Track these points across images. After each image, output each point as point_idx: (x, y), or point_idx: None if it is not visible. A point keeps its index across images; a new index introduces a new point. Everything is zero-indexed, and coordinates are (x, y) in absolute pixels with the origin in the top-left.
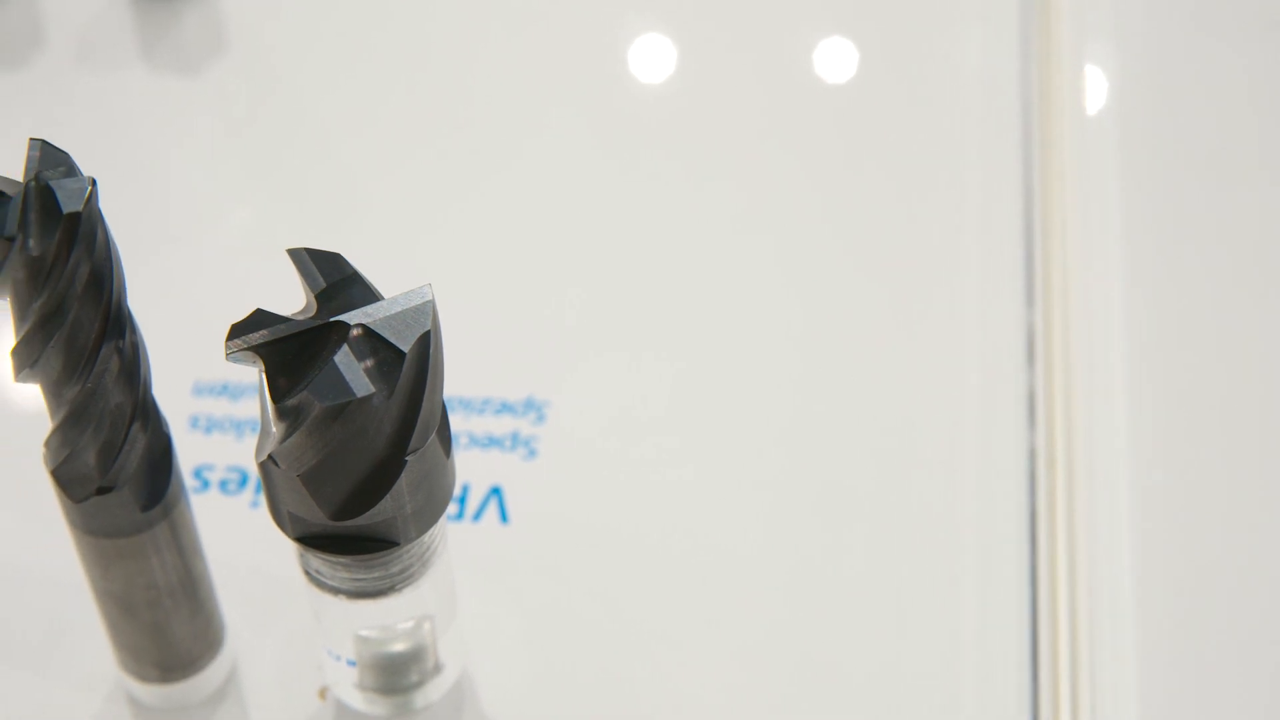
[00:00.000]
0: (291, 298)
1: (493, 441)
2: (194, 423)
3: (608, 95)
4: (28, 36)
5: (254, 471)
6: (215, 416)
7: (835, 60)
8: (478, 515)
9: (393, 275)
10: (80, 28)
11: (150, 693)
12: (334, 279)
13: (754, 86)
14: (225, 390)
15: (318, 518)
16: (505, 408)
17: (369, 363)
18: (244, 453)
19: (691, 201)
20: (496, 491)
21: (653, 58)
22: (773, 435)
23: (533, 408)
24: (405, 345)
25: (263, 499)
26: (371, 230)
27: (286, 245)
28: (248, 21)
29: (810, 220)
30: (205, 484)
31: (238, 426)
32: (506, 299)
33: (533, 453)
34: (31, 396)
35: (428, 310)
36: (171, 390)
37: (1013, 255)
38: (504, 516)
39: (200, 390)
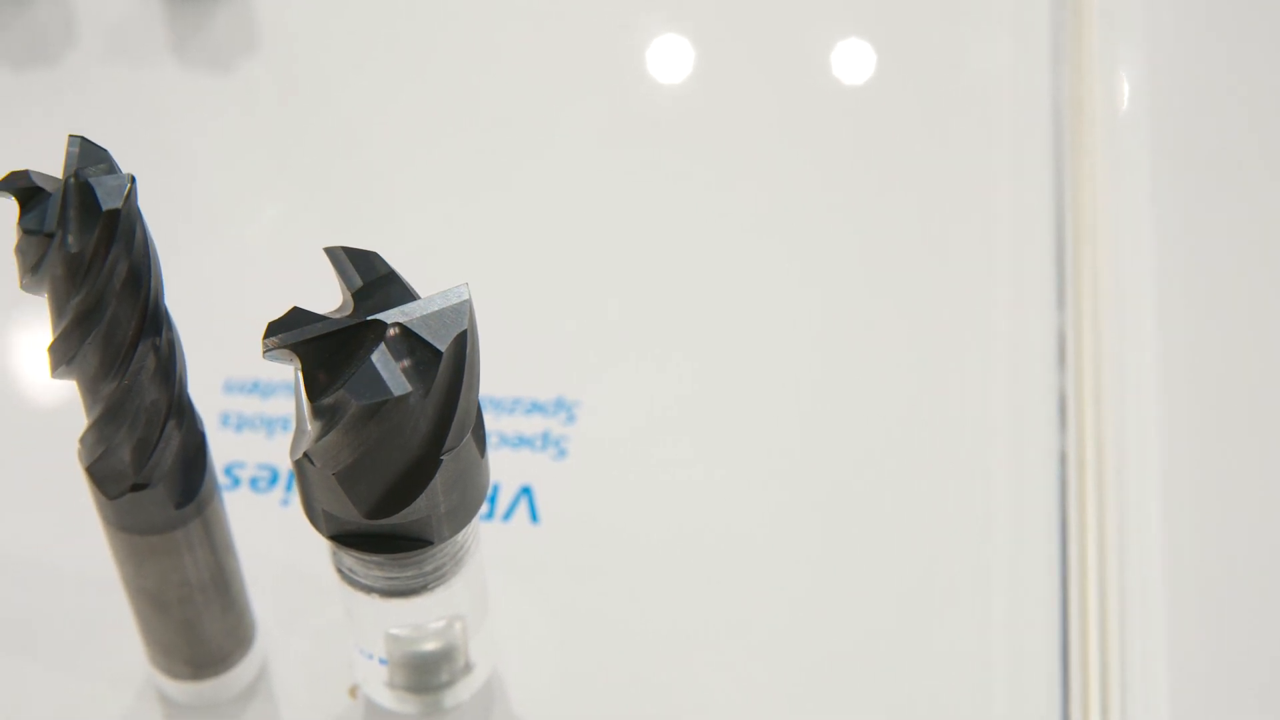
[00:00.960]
0: (322, 295)
1: (523, 441)
2: (224, 420)
3: (644, 96)
4: (59, 33)
5: (284, 469)
6: (246, 414)
7: (866, 64)
8: (508, 515)
9: (422, 274)
10: (111, 25)
11: (181, 690)
12: (371, 278)
13: (785, 91)
14: (256, 388)
15: (352, 516)
16: (535, 407)
17: (406, 362)
18: (274, 450)
19: (723, 205)
20: (526, 491)
21: (685, 60)
22: (802, 437)
23: (563, 408)
24: (442, 344)
25: (293, 497)
26: (401, 228)
27: (316, 243)
28: (279, 19)
29: (841, 224)
30: (236, 481)
31: (268, 424)
32: (537, 299)
33: (563, 453)
34: (66, 393)
35: (465, 310)
36: (202, 388)
37: (1043, 257)
38: (534, 516)
39: (231, 388)
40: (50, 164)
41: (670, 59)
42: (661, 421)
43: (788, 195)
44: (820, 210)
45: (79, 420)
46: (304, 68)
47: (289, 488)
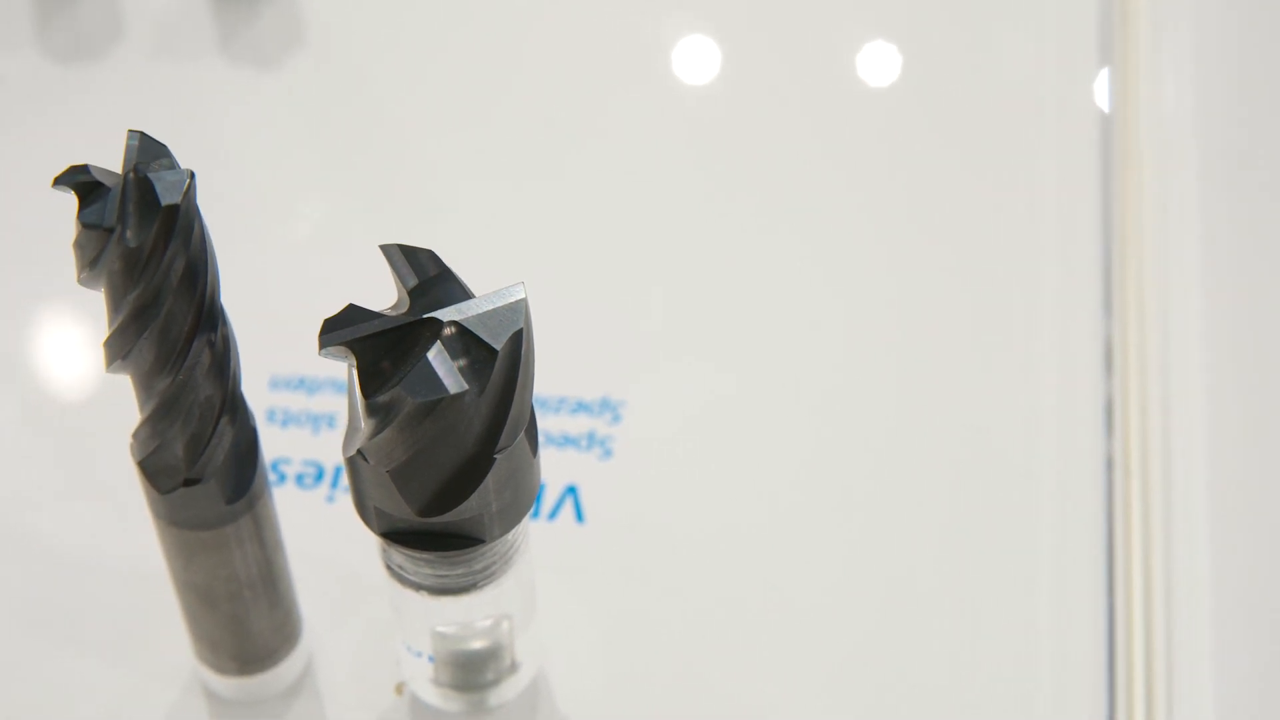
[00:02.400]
0: (367, 292)
1: (568, 441)
2: (270, 416)
3: (695, 96)
4: (106, 30)
5: (330, 466)
6: (292, 410)
7: (912, 67)
8: (553, 514)
9: (467, 271)
10: (158, 21)
11: (227, 685)
12: (426, 275)
13: (831, 95)
14: (302, 384)
15: (404, 514)
16: (581, 407)
17: (461, 360)
18: (320, 447)
19: (772, 206)
20: (572, 491)
21: (734, 61)
22: (849, 442)
23: (608, 408)
24: (498, 343)
25: (339, 493)
26: (446, 226)
27: (362, 239)
28: (325, 16)
29: (887, 228)
30: (282, 478)
31: (314, 420)
32: (583, 299)
33: (608, 453)
34: (120, 387)
35: (520, 309)
36: (248, 384)
37: (1091, 264)
38: (579, 516)
39: (277, 384)
40: (96, 159)
41: (718, 60)
42: (706, 422)
43: (834, 199)
44: (866, 214)
45: (132, 415)
46: (350, 64)
47: (335, 484)
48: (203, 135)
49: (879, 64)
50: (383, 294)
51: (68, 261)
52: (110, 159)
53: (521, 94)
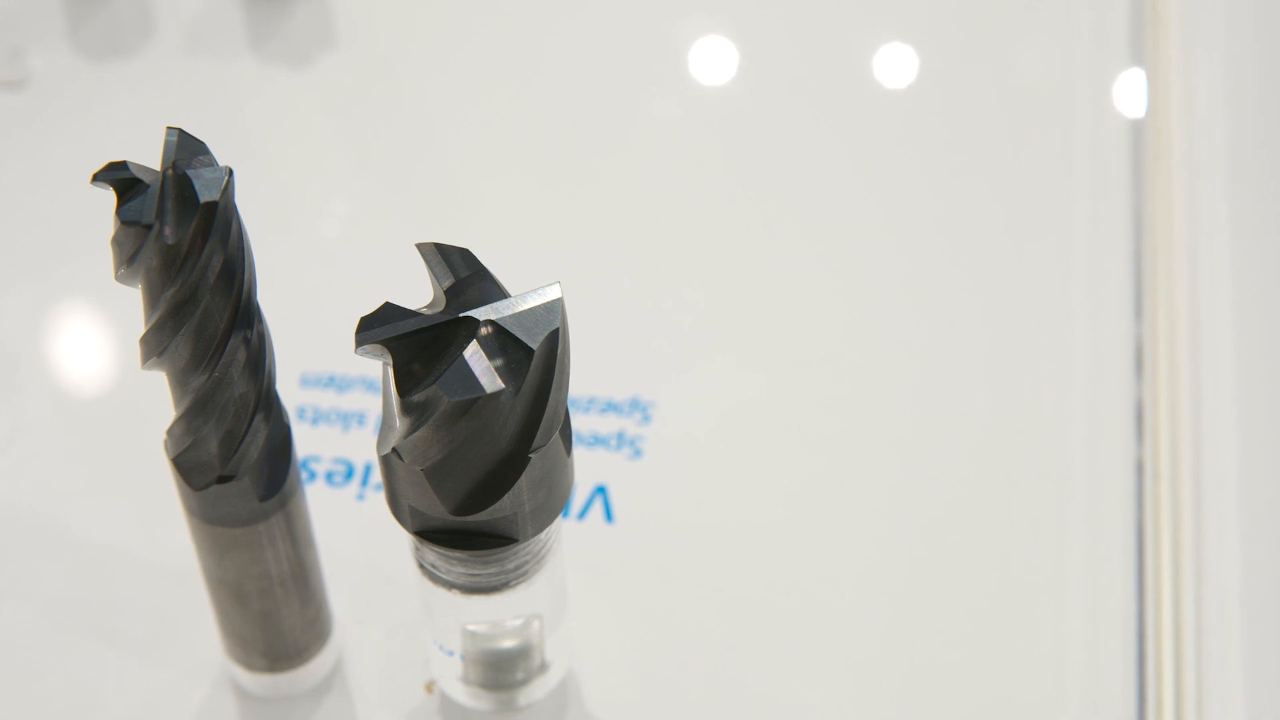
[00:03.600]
0: (396, 290)
1: (598, 441)
2: (300, 414)
3: (728, 97)
4: (138, 28)
5: (360, 464)
6: (322, 408)
7: (944, 70)
8: (583, 514)
9: (496, 270)
10: (190, 20)
11: (257, 682)
12: (463, 274)
13: (863, 96)
14: (332, 382)
15: (438, 512)
16: (611, 407)
17: (498, 359)
18: (350, 445)
19: (803, 208)
20: (602, 490)
21: (766, 63)
22: (878, 444)
23: (638, 408)
24: (534, 342)
25: (369, 491)
26: (477, 225)
27: (392, 238)
28: (356, 15)
29: (918, 229)
30: (312, 475)
31: (344, 419)
32: (613, 299)
33: (638, 453)
34: (154, 384)
35: (557, 308)
36: (278, 381)
37: (1121, 266)
38: (609, 516)
39: (307, 382)
40: (127, 157)
41: (752, 61)
42: (736, 422)
43: (865, 201)
44: (896, 216)
45: (166, 411)
46: (381, 63)
47: (364, 482)
48: (233, 133)
49: (910, 67)
50: (412, 291)
51: (101, 258)
52: (141, 156)
53: (552, 92)
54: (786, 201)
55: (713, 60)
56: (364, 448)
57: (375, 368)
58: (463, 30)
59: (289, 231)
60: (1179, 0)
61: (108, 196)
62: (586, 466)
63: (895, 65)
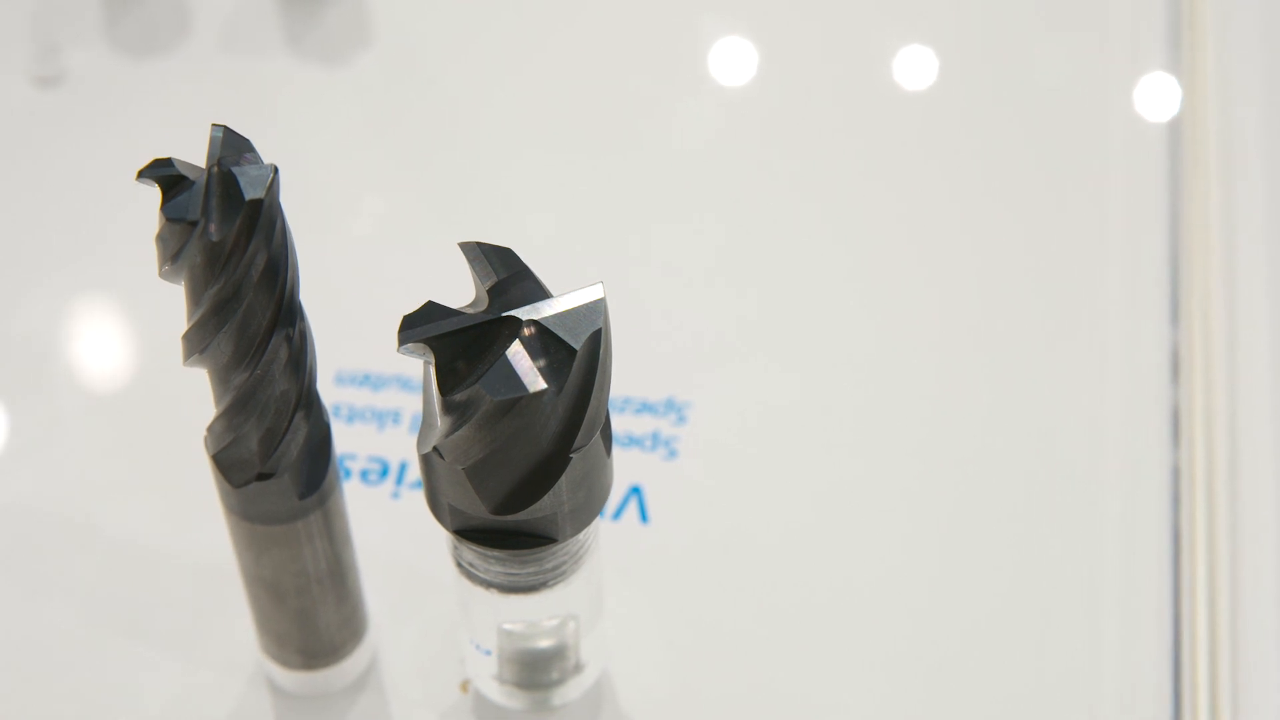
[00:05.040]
0: (432, 288)
1: (633, 441)
2: (335, 412)
3: (766, 101)
4: (174, 26)
5: (395, 462)
6: (357, 406)
7: (984, 72)
8: (617, 514)
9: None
10: (225, 19)
11: (292, 679)
12: (506, 273)
13: (902, 100)
14: (367, 380)
15: (478, 511)
16: (646, 408)
17: (540, 359)
18: (385, 443)
19: (839, 210)
20: (636, 491)
21: (805, 67)
22: (913, 447)
23: (673, 409)
24: (577, 342)
25: (404, 490)
26: (511, 224)
27: (427, 237)
28: (391, 15)
29: (955, 235)
30: (347, 474)
31: (379, 417)
32: (649, 299)
33: (673, 453)
34: (194, 381)
35: (599, 308)
36: None
37: (1157, 272)
38: (644, 516)
39: (342, 380)
40: (162, 154)
41: (792, 64)
42: (771, 424)
43: (903, 206)
44: (933, 219)
45: (204, 409)
46: (416, 62)
47: (399, 481)
48: (267, 131)
49: (946, 71)
50: (446, 290)
51: (137, 253)
52: (176, 153)
53: (587, 91)
54: (824, 205)
55: (750, 60)
56: (399, 446)
57: (410, 366)
58: (497, 28)
59: (322, 229)
60: (1215, 2)
61: (143, 192)
62: (621, 467)
63: (931, 69)
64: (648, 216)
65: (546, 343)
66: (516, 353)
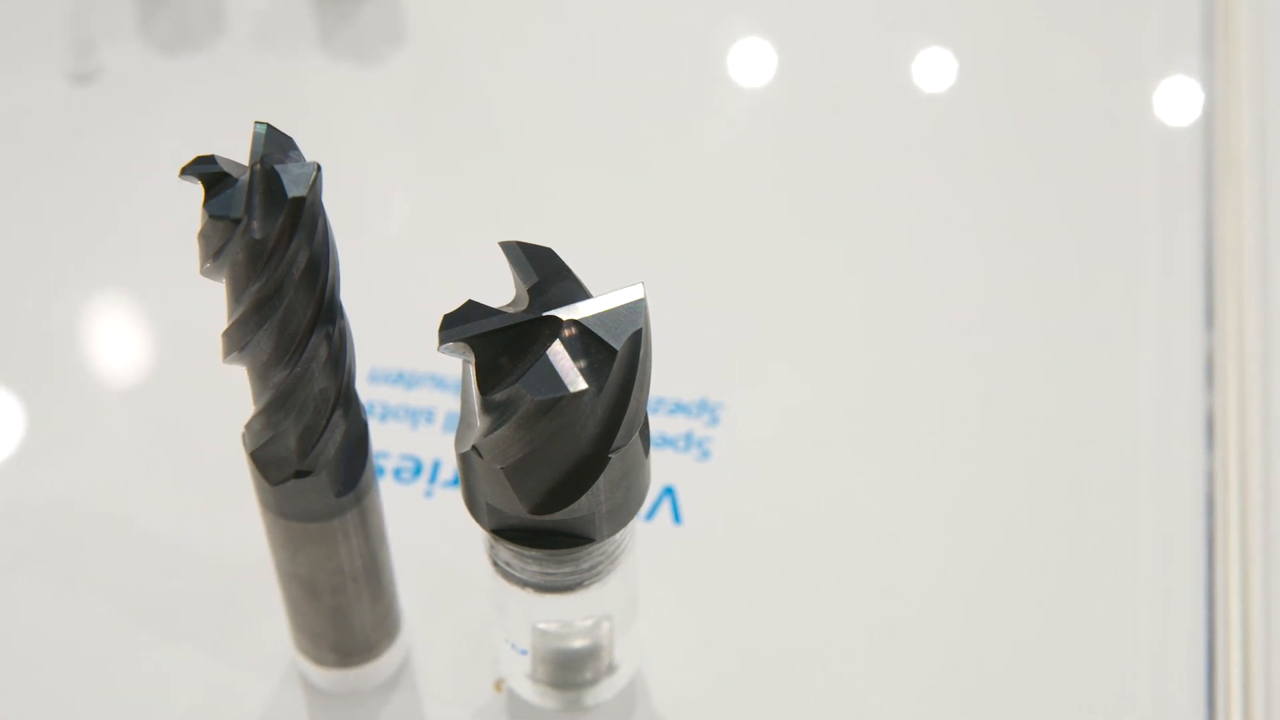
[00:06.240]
0: (466, 286)
1: (666, 441)
2: (369, 410)
3: (802, 102)
4: (208, 23)
5: (429, 461)
6: (390, 405)
7: (1016, 73)
8: (650, 515)
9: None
10: (259, 17)
11: (325, 677)
12: (546, 273)
13: (934, 101)
14: (400, 379)
15: (516, 511)
16: (679, 408)
17: (580, 359)
18: (419, 442)
19: (871, 213)
20: (670, 492)
21: (838, 69)
22: (945, 452)
23: (706, 409)
24: (617, 343)
25: (437, 489)
26: (544, 223)
27: (460, 237)
28: (425, 13)
29: (987, 238)
30: (380, 472)
31: (412, 415)
32: (682, 299)
33: (706, 454)
34: (231, 378)
35: (640, 309)
36: None
37: (1192, 275)
38: (677, 517)
39: (375, 378)
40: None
41: (828, 66)
42: (805, 425)
43: (935, 207)
44: (966, 223)
45: (240, 406)
46: (450, 60)
47: (433, 479)
48: (301, 129)
49: (980, 71)
50: (479, 289)
51: (173, 250)
52: (210, 150)
53: (620, 90)
54: (860, 208)
55: (785, 63)
56: (432, 444)
57: (443, 365)
58: (530, 26)
59: (355, 228)
60: (1250, 3)
61: (179, 188)
62: (655, 468)
63: (965, 70)
64: (678, 217)
65: (587, 343)
66: (557, 352)
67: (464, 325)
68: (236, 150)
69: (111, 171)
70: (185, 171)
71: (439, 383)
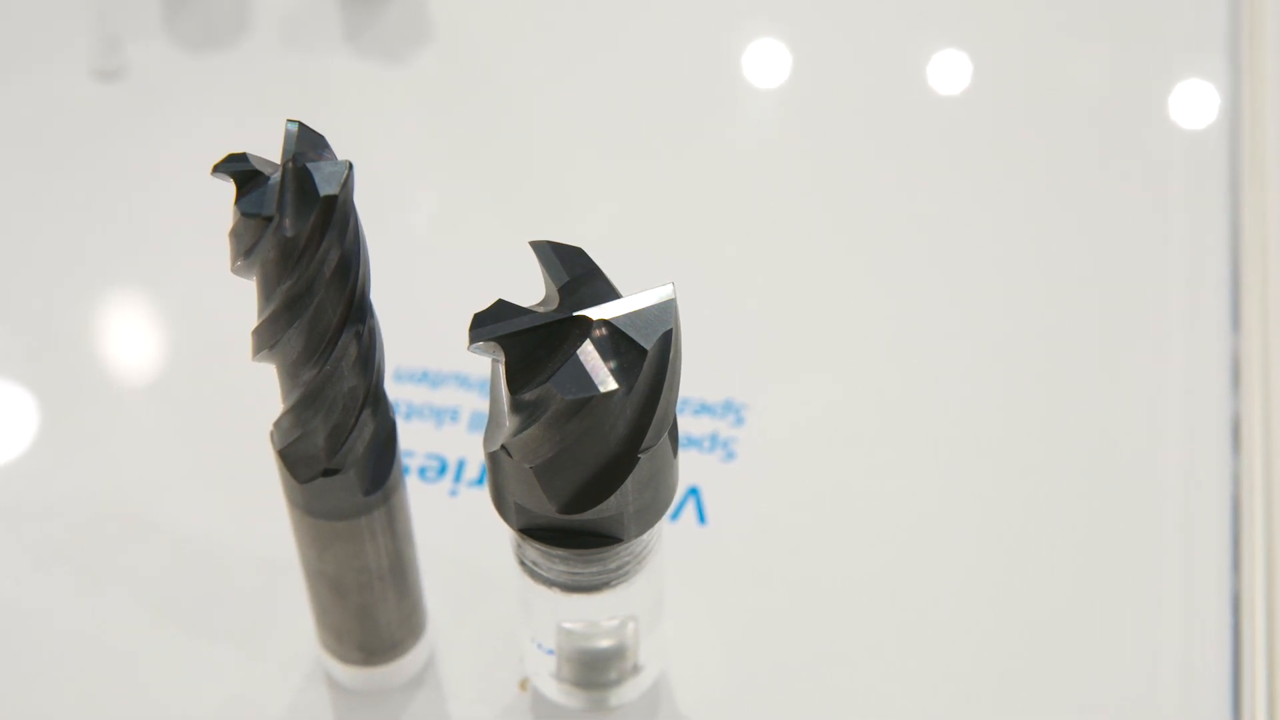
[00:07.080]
0: (492, 286)
1: (691, 442)
2: (394, 409)
3: (831, 103)
4: (233, 22)
5: (454, 460)
6: (415, 403)
7: (1043, 77)
8: (675, 515)
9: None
10: (285, 15)
11: (350, 674)
12: (576, 273)
13: (959, 104)
14: (425, 378)
15: (544, 510)
16: (704, 409)
17: (611, 359)
18: (443, 441)
19: (899, 214)
20: (694, 492)
21: (869, 69)
22: (973, 453)
23: (731, 410)
24: (647, 343)
25: (462, 488)
26: (568, 223)
27: (486, 236)
28: (451, 13)
29: (1012, 240)
30: (405, 470)
31: (437, 414)
32: (708, 300)
33: (731, 455)
34: (259, 376)
35: (670, 309)
36: None
37: (1217, 278)
38: (702, 518)
39: (400, 377)
40: (224, 149)
41: (858, 67)
42: (829, 426)
43: (962, 210)
44: (993, 226)
45: (269, 404)
46: (476, 59)
47: (457, 478)
48: (327, 128)
49: (1008, 73)
50: (505, 288)
51: (199, 247)
52: (237, 148)
53: (647, 90)
54: (887, 209)
55: (812, 64)
56: (457, 443)
57: (469, 364)
58: (556, 25)
59: (381, 227)
60: (1276, 5)
61: (206, 186)
62: (680, 468)
63: (992, 73)
64: (704, 216)
65: (617, 343)
66: (587, 352)
67: (494, 324)
68: (261, 148)
69: (138, 169)
70: (217, 169)
71: (463, 381)
